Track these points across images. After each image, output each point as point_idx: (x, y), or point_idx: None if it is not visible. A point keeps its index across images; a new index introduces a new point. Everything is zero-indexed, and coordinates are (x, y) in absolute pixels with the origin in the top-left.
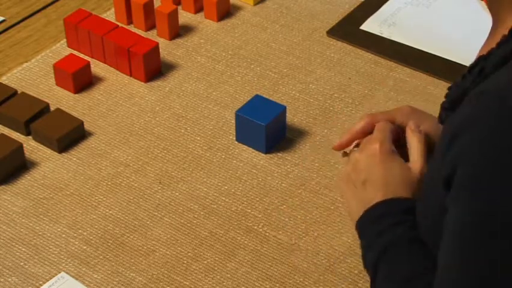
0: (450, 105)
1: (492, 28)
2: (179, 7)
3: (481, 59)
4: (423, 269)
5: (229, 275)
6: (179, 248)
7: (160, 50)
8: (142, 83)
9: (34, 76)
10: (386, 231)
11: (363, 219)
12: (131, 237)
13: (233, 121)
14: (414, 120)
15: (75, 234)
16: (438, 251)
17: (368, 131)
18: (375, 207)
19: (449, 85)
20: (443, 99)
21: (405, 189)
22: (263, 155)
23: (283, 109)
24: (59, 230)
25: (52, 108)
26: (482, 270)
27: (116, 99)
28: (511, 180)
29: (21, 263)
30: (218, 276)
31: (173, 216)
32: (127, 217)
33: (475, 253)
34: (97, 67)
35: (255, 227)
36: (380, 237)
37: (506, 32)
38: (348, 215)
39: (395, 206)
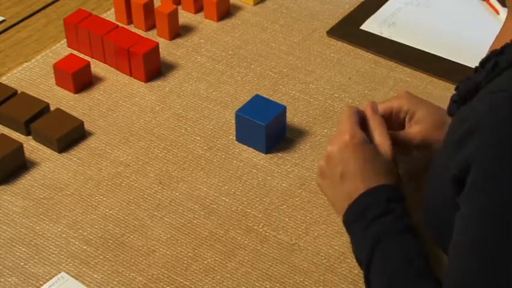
0: (460, 98)
1: (507, 21)
2: (179, 7)
3: (493, 54)
4: (414, 260)
5: (229, 275)
6: (179, 248)
7: (160, 50)
8: (142, 83)
9: (34, 76)
10: (374, 223)
11: (349, 214)
12: (131, 237)
13: (233, 121)
14: (389, 104)
15: (75, 234)
16: (447, 247)
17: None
18: (359, 199)
19: (449, 84)
20: (453, 93)
21: (384, 175)
22: (263, 155)
23: (283, 109)
24: (59, 230)
25: (52, 108)
26: (500, 273)
27: (116, 99)
28: None
29: (21, 263)
30: (218, 276)
31: (174, 216)
32: (127, 217)
33: (493, 256)
34: (97, 67)
35: (255, 227)
36: (368, 229)
37: None
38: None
39: (379, 195)
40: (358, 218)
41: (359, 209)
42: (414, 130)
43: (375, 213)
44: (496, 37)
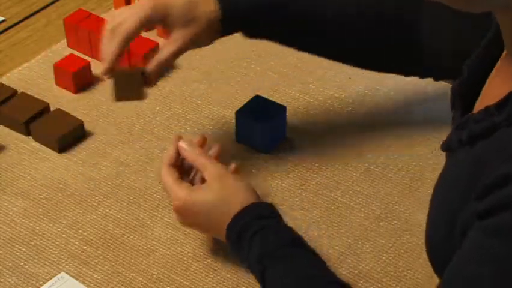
0: (470, 139)
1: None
2: None
3: None
4: (316, 274)
5: (229, 275)
6: (179, 248)
7: None
8: None
9: (34, 76)
10: (251, 250)
11: (231, 244)
12: (132, 237)
13: (233, 121)
14: None
15: (75, 234)
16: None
17: None
18: (229, 231)
19: (449, 84)
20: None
21: (238, 201)
22: (263, 155)
23: (283, 109)
24: (59, 230)
25: (52, 108)
26: None
27: None
28: None
29: (21, 263)
30: (218, 276)
31: (174, 216)
32: (127, 217)
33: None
34: (97, 67)
35: None
36: (254, 259)
37: None
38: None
39: (244, 220)
40: (238, 249)
41: (233, 239)
42: (172, 47)
43: (248, 238)
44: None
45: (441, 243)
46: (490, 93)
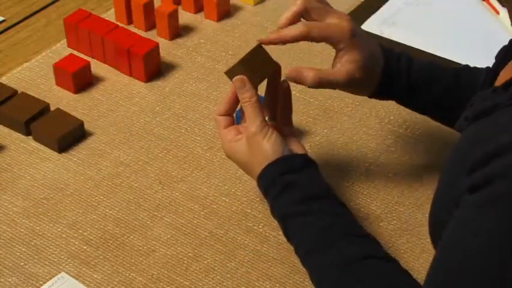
0: (474, 116)
1: None
2: (180, 7)
3: None
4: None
5: (229, 275)
6: (179, 248)
7: (160, 50)
8: (142, 83)
9: (34, 76)
10: (275, 207)
11: (261, 190)
12: (132, 237)
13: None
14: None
15: (75, 234)
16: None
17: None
18: (259, 181)
19: None
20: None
21: (264, 160)
22: None
23: None
24: (59, 230)
25: (52, 108)
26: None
27: (116, 99)
28: None
29: (21, 263)
30: (218, 276)
31: (174, 216)
32: (127, 217)
33: (490, 269)
34: (97, 67)
35: (255, 227)
36: (276, 215)
37: None
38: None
39: (268, 179)
40: (267, 201)
41: (262, 191)
42: (342, 72)
43: (273, 195)
44: None
45: (443, 223)
46: (505, 76)
